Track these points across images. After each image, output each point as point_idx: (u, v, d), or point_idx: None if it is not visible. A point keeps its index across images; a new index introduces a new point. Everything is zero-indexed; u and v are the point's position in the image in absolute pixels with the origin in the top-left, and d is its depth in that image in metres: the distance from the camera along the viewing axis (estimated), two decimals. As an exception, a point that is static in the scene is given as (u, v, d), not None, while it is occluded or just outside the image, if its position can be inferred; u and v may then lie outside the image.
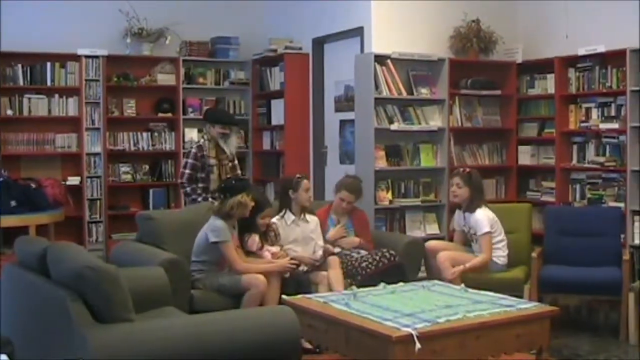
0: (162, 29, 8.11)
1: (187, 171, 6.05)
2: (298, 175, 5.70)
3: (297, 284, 5.13)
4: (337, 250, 5.64)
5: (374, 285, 4.80)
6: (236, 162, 6.35)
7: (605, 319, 6.04)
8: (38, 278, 3.77)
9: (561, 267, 5.79)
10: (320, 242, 5.60)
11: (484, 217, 5.69)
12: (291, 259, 5.21)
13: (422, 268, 5.94)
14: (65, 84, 7.80)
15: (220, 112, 7.54)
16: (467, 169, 5.97)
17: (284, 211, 5.60)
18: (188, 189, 6.05)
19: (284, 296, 4.64)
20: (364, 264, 5.40)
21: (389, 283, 4.81)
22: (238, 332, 3.49)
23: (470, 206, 5.77)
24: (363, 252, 5.58)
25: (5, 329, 4.08)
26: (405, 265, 5.48)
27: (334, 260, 5.36)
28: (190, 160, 6.07)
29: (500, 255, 5.74)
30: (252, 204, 5.17)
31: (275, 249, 5.35)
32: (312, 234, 5.61)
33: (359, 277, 5.32)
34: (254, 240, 5.31)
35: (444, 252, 5.65)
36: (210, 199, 5.95)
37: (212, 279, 5.02)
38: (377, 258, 5.44)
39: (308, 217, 5.65)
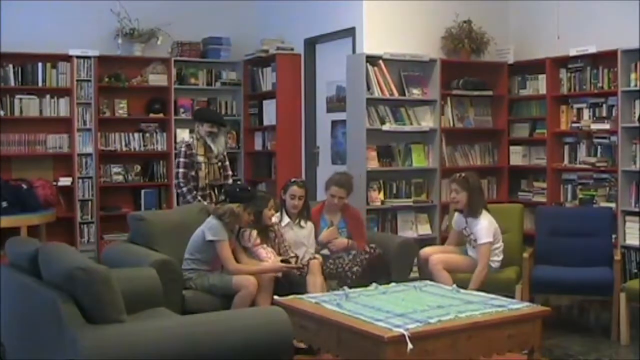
0: (154, 29, 8.09)
1: (182, 170, 6.04)
2: (292, 179, 5.70)
3: (290, 285, 5.11)
4: (326, 252, 5.63)
5: (365, 286, 4.80)
6: (227, 162, 6.34)
7: (596, 319, 6.07)
8: (29, 279, 3.76)
9: (553, 268, 5.80)
10: (312, 250, 5.55)
11: (487, 226, 5.59)
12: (282, 260, 5.19)
13: (414, 269, 5.95)
14: (57, 84, 7.76)
15: (209, 111, 7.58)
16: (463, 174, 5.82)
17: (280, 212, 5.57)
18: (184, 189, 6.01)
19: (276, 297, 4.63)
20: (354, 269, 5.37)
21: (380, 284, 4.82)
22: (230, 332, 3.48)
23: (471, 211, 5.67)
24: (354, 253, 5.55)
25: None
26: (389, 262, 5.47)
27: (314, 265, 5.24)
28: (182, 159, 6.06)
29: (496, 260, 5.70)
30: (248, 218, 5.11)
31: (274, 256, 5.30)
32: (304, 240, 5.57)
33: (349, 280, 5.28)
34: (252, 235, 5.28)
35: (435, 255, 5.63)
36: (199, 198, 5.96)
37: (203, 279, 5.01)
38: (360, 258, 5.43)
39: (303, 222, 5.60)
